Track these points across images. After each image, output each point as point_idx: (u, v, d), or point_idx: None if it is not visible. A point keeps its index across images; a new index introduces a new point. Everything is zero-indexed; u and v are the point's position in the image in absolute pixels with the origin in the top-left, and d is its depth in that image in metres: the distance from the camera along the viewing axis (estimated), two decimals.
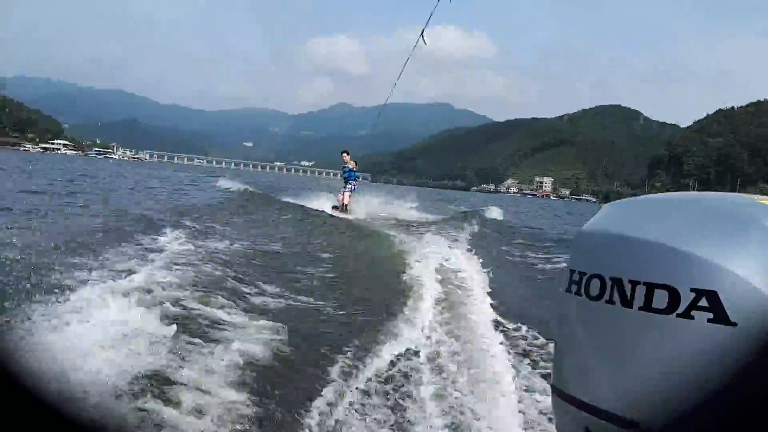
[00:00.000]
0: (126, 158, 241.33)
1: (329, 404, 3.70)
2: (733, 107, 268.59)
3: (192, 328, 4.33)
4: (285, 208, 19.16)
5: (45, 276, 5.13)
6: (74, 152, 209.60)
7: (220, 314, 4.96)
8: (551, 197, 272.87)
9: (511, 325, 6.34)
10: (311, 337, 5.01)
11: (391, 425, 3.68)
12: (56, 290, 4.57)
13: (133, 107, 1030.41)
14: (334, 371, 4.23)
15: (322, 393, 3.81)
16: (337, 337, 5.11)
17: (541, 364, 5.08)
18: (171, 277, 5.79)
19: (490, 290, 7.84)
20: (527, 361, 5.18)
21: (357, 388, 4.07)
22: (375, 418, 3.72)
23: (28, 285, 4.58)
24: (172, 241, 8.43)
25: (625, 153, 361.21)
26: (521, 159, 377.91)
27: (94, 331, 3.73)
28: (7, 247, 6.40)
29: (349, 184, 20.26)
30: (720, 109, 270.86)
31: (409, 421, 3.76)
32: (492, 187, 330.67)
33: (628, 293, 1.22)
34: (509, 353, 5.33)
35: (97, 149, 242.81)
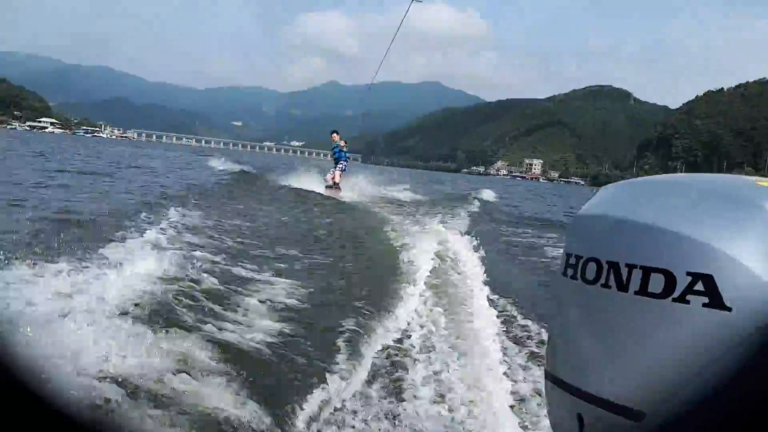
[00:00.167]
0: (114, 137, 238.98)
1: (324, 390, 3.66)
2: (722, 89, 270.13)
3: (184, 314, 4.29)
4: (277, 189, 19.34)
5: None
6: (62, 131, 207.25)
7: (209, 299, 4.92)
8: (540, 180, 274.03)
9: (504, 308, 6.41)
10: (306, 319, 5.03)
11: (386, 413, 3.65)
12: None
13: (121, 85, 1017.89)
14: (329, 357, 4.18)
15: (317, 380, 3.76)
16: (331, 320, 5.11)
17: (534, 349, 5.13)
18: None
19: (485, 275, 7.80)
20: (518, 346, 5.22)
21: (352, 376, 4.01)
22: (370, 410, 3.67)
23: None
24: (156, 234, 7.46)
25: (615, 135, 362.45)
26: (512, 141, 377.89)
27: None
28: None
29: (340, 164, 20.43)
30: (709, 91, 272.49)
31: (403, 409, 3.73)
32: (482, 169, 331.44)
33: (625, 277, 1.21)
34: (502, 337, 5.37)
35: (84, 128, 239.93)
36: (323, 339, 4.54)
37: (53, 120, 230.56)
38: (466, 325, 5.61)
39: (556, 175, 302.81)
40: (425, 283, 6.93)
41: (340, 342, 4.50)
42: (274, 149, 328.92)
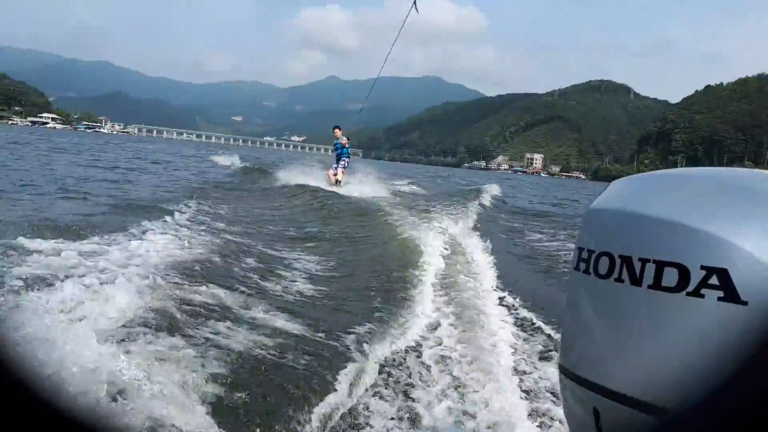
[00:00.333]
0: (115, 132, 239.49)
1: (335, 390, 3.63)
2: (721, 83, 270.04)
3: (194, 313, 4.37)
4: (281, 185, 19.51)
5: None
6: (63, 126, 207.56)
7: (219, 298, 4.97)
8: (541, 174, 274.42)
9: (514, 303, 6.47)
10: (316, 317, 5.05)
11: (398, 410, 3.65)
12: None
13: (121, 80, 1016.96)
14: (340, 353, 4.18)
15: (328, 379, 3.74)
16: (340, 319, 5.14)
17: (545, 345, 5.16)
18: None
19: (494, 270, 7.90)
20: (529, 341, 5.26)
21: (363, 374, 4.02)
22: (382, 407, 3.67)
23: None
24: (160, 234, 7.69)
25: (616, 129, 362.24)
26: (512, 135, 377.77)
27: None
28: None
29: (342, 160, 20.13)
30: (708, 86, 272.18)
31: (415, 405, 3.74)
32: (483, 164, 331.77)
33: (638, 271, 1.21)
34: (513, 332, 5.42)
35: (85, 123, 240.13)
36: (333, 337, 4.54)
37: (54, 115, 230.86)
38: (477, 321, 5.61)
39: (557, 169, 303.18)
40: (434, 278, 6.94)
41: (349, 341, 4.48)
42: (275, 144, 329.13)
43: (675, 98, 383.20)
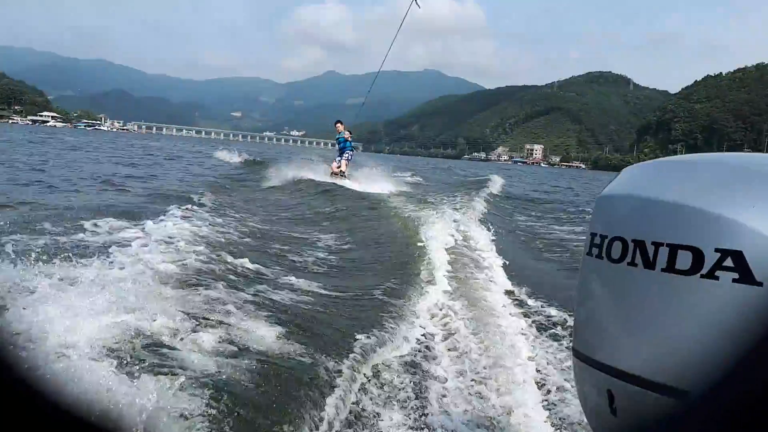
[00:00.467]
0: (114, 129, 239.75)
1: (347, 383, 3.62)
2: (720, 73, 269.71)
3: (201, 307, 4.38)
4: (285, 178, 19.88)
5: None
6: (63, 124, 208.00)
7: (228, 291, 4.96)
8: (541, 164, 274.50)
9: (522, 290, 6.55)
10: (326, 310, 5.08)
11: (412, 400, 3.66)
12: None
13: (120, 78, 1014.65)
14: (351, 348, 4.13)
15: (341, 372, 3.72)
16: (352, 311, 5.15)
17: (557, 330, 5.21)
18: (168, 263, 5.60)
19: (501, 259, 7.95)
20: (541, 328, 5.29)
21: (374, 366, 4.04)
22: (394, 396, 3.69)
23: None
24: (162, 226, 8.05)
25: (615, 119, 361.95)
26: (512, 127, 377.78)
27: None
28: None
29: (346, 153, 20.63)
30: (708, 76, 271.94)
31: (427, 397, 3.73)
32: (483, 155, 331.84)
33: (651, 255, 1.21)
34: (524, 319, 5.47)
35: (85, 121, 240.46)
36: (343, 330, 4.55)
37: (54, 114, 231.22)
38: (486, 308, 5.66)
39: (557, 159, 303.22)
40: (442, 269, 6.97)
41: (359, 334, 4.46)
42: (275, 139, 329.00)
43: (675, 88, 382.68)
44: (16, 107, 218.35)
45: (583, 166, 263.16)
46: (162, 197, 11.60)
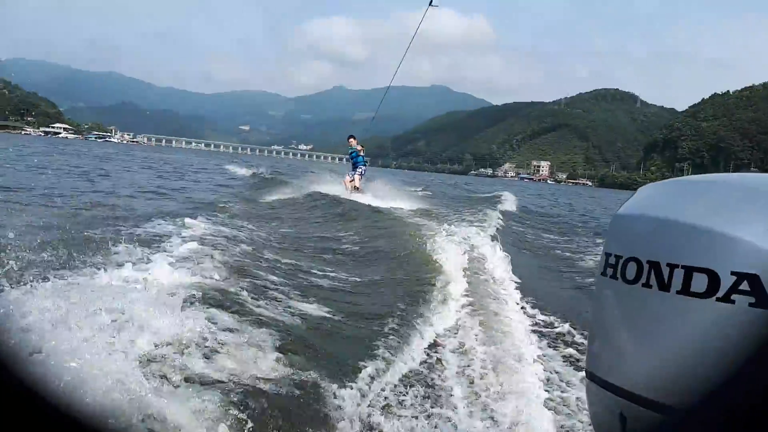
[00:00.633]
0: (124, 141, 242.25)
1: (360, 394, 3.67)
2: (728, 91, 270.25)
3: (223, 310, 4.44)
4: (299, 192, 20.22)
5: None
6: (75, 136, 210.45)
7: (245, 301, 4.97)
8: (548, 181, 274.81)
9: (536, 310, 6.53)
10: (338, 322, 5.11)
11: (423, 414, 3.67)
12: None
13: (130, 90, 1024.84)
14: (363, 360, 4.13)
15: (353, 381, 3.75)
16: (365, 324, 5.17)
17: (569, 350, 5.21)
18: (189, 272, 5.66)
19: (514, 277, 7.94)
20: (553, 347, 5.30)
21: (387, 382, 4.02)
22: (405, 410, 3.70)
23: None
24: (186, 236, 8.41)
25: (622, 137, 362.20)
26: (519, 143, 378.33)
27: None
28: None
29: (359, 168, 20.64)
30: (715, 94, 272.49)
31: (438, 414, 3.73)
32: (489, 171, 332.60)
33: (666, 276, 1.19)
34: (536, 339, 5.45)
35: (95, 133, 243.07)
36: (357, 342, 4.56)
37: (66, 125, 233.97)
38: (499, 327, 5.64)
39: (564, 176, 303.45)
40: (456, 287, 6.90)
41: (376, 346, 4.48)
42: (282, 153, 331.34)
43: (681, 106, 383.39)
44: (28, 118, 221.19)
45: (590, 184, 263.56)
46: (198, 206, 13.34)
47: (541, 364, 4.73)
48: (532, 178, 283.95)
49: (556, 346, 5.35)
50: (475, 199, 27.56)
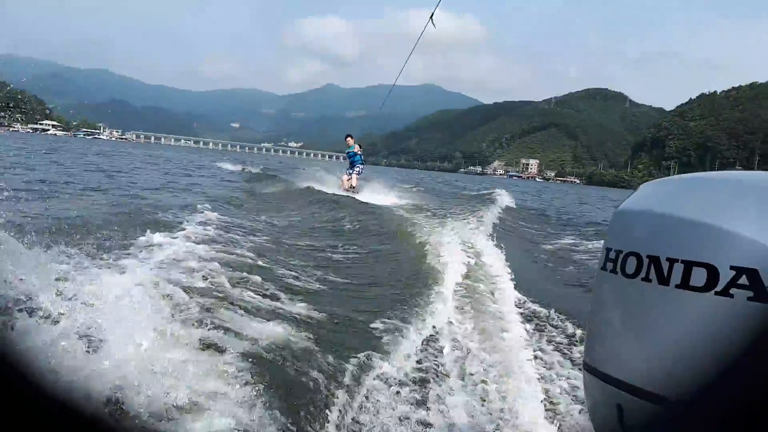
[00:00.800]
0: (113, 138, 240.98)
1: (353, 388, 3.65)
2: (715, 92, 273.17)
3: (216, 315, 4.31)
4: (294, 189, 20.35)
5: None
6: (63, 133, 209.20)
7: (241, 299, 4.94)
8: (536, 179, 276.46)
9: (531, 303, 6.49)
10: (333, 319, 5.02)
11: (415, 410, 3.61)
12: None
13: (119, 87, 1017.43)
14: (356, 355, 4.11)
15: (344, 376, 3.75)
16: (360, 319, 5.12)
17: (563, 342, 5.20)
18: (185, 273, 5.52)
19: (509, 272, 7.80)
20: (547, 338, 5.30)
21: (378, 376, 3.98)
22: (399, 407, 3.63)
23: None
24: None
25: (611, 136, 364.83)
26: (508, 142, 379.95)
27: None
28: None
29: (357, 167, 20.63)
30: (702, 94, 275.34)
31: (431, 409, 3.66)
32: (479, 169, 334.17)
33: (665, 271, 1.21)
34: (531, 332, 5.42)
35: (84, 130, 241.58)
36: (350, 341, 4.50)
37: (54, 122, 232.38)
38: (494, 322, 5.59)
39: (552, 174, 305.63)
40: (451, 282, 6.87)
41: (367, 343, 4.47)
42: (272, 150, 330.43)
43: (670, 105, 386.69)
44: (17, 116, 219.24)
45: (578, 181, 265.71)
46: (207, 199, 14.06)
47: (537, 356, 4.74)
48: (521, 176, 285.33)
49: (551, 339, 5.34)
50: (467, 196, 28.06)
